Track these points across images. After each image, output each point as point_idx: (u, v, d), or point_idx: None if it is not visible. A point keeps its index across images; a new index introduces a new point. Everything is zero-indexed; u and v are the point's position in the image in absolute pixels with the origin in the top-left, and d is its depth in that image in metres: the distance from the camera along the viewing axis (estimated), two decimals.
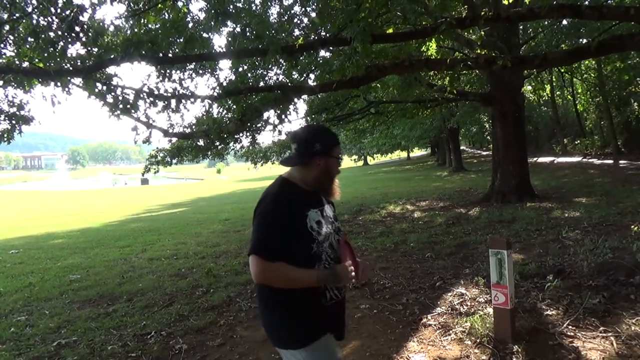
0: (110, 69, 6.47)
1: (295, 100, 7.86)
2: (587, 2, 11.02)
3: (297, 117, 10.90)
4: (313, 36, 7.34)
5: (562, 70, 21.98)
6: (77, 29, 5.42)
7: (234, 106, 7.83)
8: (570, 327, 3.66)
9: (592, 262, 5.00)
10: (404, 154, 59.16)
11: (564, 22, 14.02)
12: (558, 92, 31.60)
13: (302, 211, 1.94)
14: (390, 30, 6.65)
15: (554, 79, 27.99)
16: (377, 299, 4.88)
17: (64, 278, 6.94)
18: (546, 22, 13.40)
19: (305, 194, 2.00)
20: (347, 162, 62.30)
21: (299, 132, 2.09)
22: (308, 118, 12.67)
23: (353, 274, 1.93)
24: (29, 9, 5.68)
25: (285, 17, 8.33)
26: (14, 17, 5.62)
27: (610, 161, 20.08)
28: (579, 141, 28.62)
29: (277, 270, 1.81)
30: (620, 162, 19.19)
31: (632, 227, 6.33)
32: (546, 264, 5.32)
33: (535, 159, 24.71)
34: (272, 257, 1.80)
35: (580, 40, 14.82)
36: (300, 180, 2.01)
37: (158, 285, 6.10)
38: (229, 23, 6.72)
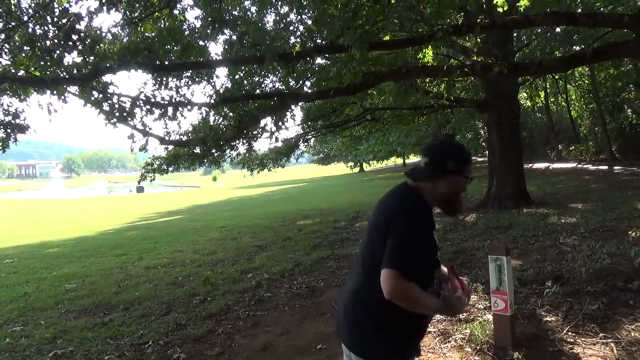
0: (107, 77, 6.47)
1: (292, 107, 7.87)
2: (580, 10, 11.14)
3: (293, 124, 10.93)
4: (309, 43, 7.36)
5: (557, 77, 22.15)
6: (74, 37, 5.42)
7: (231, 113, 7.84)
8: (570, 333, 3.65)
9: (590, 268, 5.01)
10: (399, 161, 59.26)
11: (557, 29, 14.14)
12: (552, 99, 31.79)
13: (433, 232, 1.88)
14: (387, 38, 6.68)
15: (548, 86, 28.18)
16: None
17: (59, 287, 6.87)
18: (539, 30, 13.51)
19: (432, 211, 1.93)
20: (343, 168, 62.39)
21: (433, 147, 1.98)
22: (304, 125, 12.70)
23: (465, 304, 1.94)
24: (25, 18, 5.68)
25: (282, 25, 8.36)
26: (10, 26, 5.61)
27: (605, 167, 20.17)
28: (573, 147, 28.73)
29: (412, 292, 1.76)
30: (615, 167, 19.28)
31: (630, 232, 6.35)
32: (544, 270, 5.32)
33: (530, 165, 24.79)
34: (411, 276, 1.75)
35: (574, 47, 14.95)
36: (428, 194, 1.93)
37: (155, 294, 6.05)
38: (225, 31, 6.74)
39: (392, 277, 1.73)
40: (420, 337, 2.00)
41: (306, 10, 7.80)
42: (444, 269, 2.07)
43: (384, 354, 1.87)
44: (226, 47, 6.89)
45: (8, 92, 5.96)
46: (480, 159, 43.09)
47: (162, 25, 6.76)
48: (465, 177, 1.94)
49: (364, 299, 1.92)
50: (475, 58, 8.01)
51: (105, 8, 5.50)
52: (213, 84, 8.13)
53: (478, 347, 3.56)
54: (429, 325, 4.10)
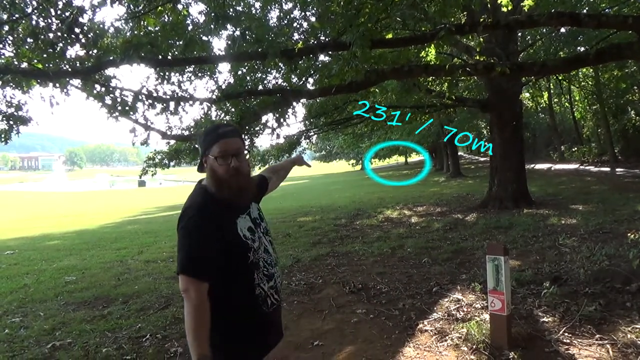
0: (109, 71, 6.49)
1: (294, 104, 7.87)
2: (585, 11, 11.10)
3: (295, 121, 10.92)
4: (312, 40, 7.35)
5: (560, 78, 22.10)
6: (77, 30, 5.42)
7: (233, 109, 7.84)
8: (566, 334, 3.66)
9: (589, 269, 5.01)
10: (401, 159, 59.26)
11: (562, 30, 14.10)
12: (556, 100, 31.73)
13: (230, 219, 1.81)
14: (390, 36, 6.67)
15: (552, 87, 28.13)
16: (374, 303, 4.87)
17: (59, 280, 6.90)
18: (544, 30, 13.47)
19: (215, 205, 1.82)
20: (345, 166, 62.39)
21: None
22: (306, 122, 12.71)
23: None
24: (29, 10, 5.68)
25: (285, 21, 8.35)
26: (14, 18, 5.61)
27: (607, 169, 20.14)
28: (576, 148, 28.73)
29: (197, 301, 1.65)
30: (617, 169, 19.25)
31: (629, 234, 6.33)
32: (543, 271, 5.33)
33: (532, 165, 24.78)
34: (200, 274, 1.68)
35: (578, 48, 14.90)
36: (210, 186, 1.86)
37: (154, 288, 6.08)
38: (228, 26, 6.74)
39: (181, 280, 1.68)
40: (268, 322, 1.90)
41: (309, 7, 7.79)
42: None
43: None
44: (229, 42, 6.89)
45: (11, 84, 5.98)
46: (482, 159, 43.11)
47: (166, 20, 6.76)
48: (214, 157, 1.80)
49: None
50: (478, 57, 7.99)
51: (108, 1, 5.49)
52: (215, 79, 8.14)
53: (474, 347, 3.56)
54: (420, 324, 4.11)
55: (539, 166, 25.55)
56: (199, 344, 1.65)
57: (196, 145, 1.68)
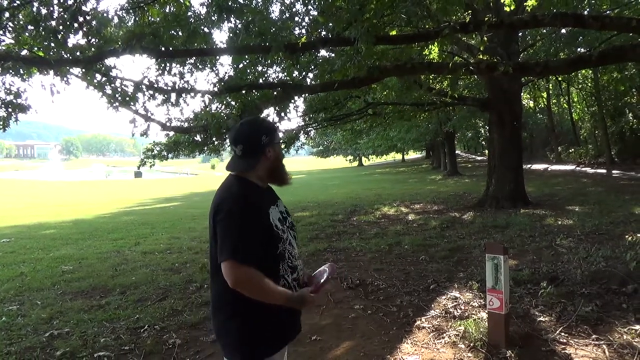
0: (110, 61, 6.45)
1: (295, 98, 7.86)
2: (586, 12, 11.10)
3: (296, 115, 10.89)
4: (315, 35, 7.33)
5: (560, 79, 22.11)
6: (80, 18, 5.39)
7: (233, 102, 7.82)
8: (563, 334, 3.69)
9: (586, 270, 5.04)
10: (399, 156, 59.32)
11: (563, 30, 14.09)
12: (554, 100, 31.77)
13: (265, 210, 1.89)
14: (394, 33, 6.66)
15: (551, 87, 28.14)
16: (372, 299, 4.89)
17: (56, 269, 6.89)
18: (544, 30, 13.46)
19: (262, 192, 1.96)
20: (342, 162, 62.42)
21: (240, 134, 1.95)
22: (306, 117, 12.69)
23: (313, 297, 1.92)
24: None
25: (287, 15, 8.31)
26: (15, 5, 5.57)
27: (604, 170, 20.23)
28: (573, 150, 28.81)
29: (255, 278, 1.75)
30: (613, 171, 19.33)
31: (626, 237, 6.38)
32: (540, 271, 5.35)
33: (529, 165, 24.84)
34: (249, 261, 1.74)
35: (578, 49, 14.92)
36: (255, 177, 1.95)
37: (151, 279, 6.07)
38: (231, 19, 6.71)
39: (230, 267, 1.73)
40: (290, 316, 1.96)
41: (312, 1, 7.75)
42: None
43: (237, 343, 1.86)
44: (231, 35, 6.86)
45: (11, 71, 5.94)
46: (479, 158, 43.19)
47: (168, 11, 6.73)
48: (279, 143, 2.03)
49: (217, 296, 1.92)
50: (481, 56, 7.98)
51: None
52: (216, 71, 8.10)
53: (471, 344, 3.59)
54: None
55: (535, 166, 25.63)
56: (280, 295, 1.80)
57: (226, 137, 1.81)
